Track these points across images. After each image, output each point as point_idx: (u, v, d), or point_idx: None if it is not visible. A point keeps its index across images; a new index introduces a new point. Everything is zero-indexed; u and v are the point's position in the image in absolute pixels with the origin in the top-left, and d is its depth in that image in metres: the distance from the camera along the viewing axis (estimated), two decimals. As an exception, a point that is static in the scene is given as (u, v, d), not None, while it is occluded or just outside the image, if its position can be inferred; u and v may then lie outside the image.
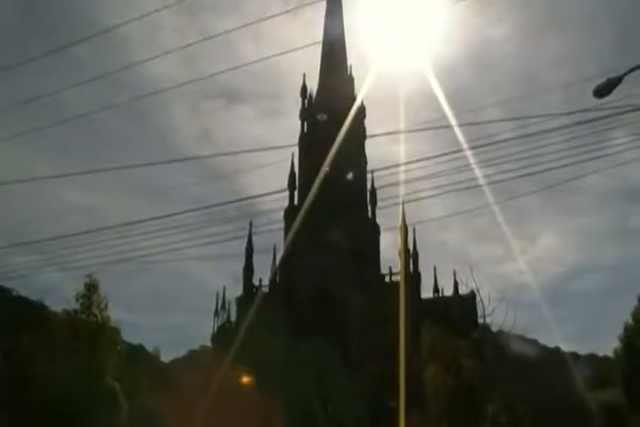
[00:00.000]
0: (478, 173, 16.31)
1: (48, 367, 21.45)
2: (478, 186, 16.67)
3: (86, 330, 20.69)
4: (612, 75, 11.09)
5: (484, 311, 22.11)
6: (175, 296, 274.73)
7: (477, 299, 32.51)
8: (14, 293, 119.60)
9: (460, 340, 20.69)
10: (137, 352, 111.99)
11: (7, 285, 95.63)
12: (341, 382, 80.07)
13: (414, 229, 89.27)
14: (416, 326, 71.81)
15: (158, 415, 72.43)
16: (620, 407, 34.64)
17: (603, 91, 10.94)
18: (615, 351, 32.16)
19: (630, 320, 31.60)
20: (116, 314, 21.89)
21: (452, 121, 18.76)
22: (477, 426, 19.08)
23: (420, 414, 19.81)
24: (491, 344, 22.00)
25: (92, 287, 21.10)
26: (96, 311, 21.02)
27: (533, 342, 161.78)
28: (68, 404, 19.91)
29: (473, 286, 28.44)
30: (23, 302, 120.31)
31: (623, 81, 10.85)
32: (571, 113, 14.81)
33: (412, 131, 21.88)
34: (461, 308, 78.99)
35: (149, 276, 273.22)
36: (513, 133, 15.32)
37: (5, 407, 31.83)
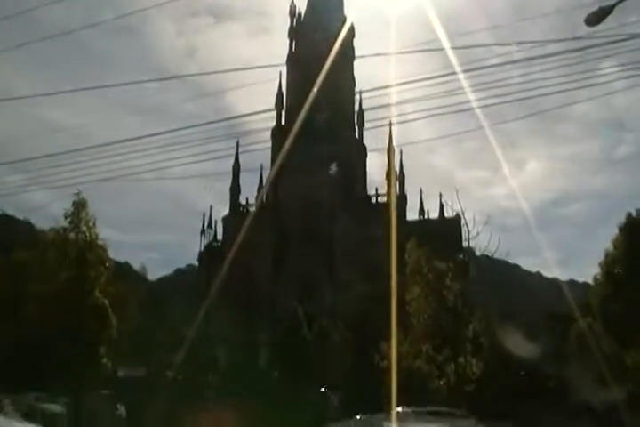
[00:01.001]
0: (469, 96, 16.18)
1: (39, 284, 21.80)
2: (468, 110, 16.57)
3: (75, 247, 20.87)
4: (605, 3, 10.95)
5: (468, 234, 22.35)
6: (162, 216, 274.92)
7: (462, 222, 32.89)
8: (1, 211, 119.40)
9: (445, 262, 21.00)
10: (124, 270, 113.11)
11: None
12: (327, 300, 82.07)
13: (401, 152, 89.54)
14: (401, 248, 73.89)
15: (145, 331, 74.17)
16: (596, 333, 35.60)
17: (594, 19, 10.83)
18: (595, 278, 32.60)
19: (611, 247, 31.83)
20: (103, 233, 22.08)
21: (444, 44, 18.45)
22: (459, 347, 19.65)
23: (403, 335, 20.34)
24: (474, 267, 22.36)
25: (79, 205, 21.16)
26: (84, 229, 21.12)
27: (515, 267, 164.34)
28: (59, 319, 20.33)
29: (458, 208, 28.48)
30: (11, 220, 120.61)
31: (615, 10, 10.73)
32: (562, 40, 14.68)
33: (403, 53, 21.68)
34: (446, 230, 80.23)
35: (136, 195, 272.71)
36: (504, 58, 15.18)
37: (1, 322, 32.55)
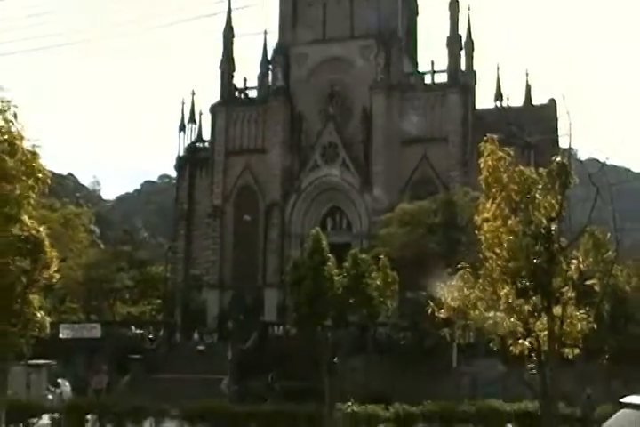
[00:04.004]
0: None
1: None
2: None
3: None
4: None
5: (569, 129, 21.38)
6: (120, 105, 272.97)
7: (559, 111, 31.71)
8: None
9: (534, 167, 20.25)
10: (67, 185, 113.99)
11: None
12: (360, 224, 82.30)
13: (469, 9, 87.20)
14: (469, 148, 72.81)
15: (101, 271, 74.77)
16: None
17: None
18: None
19: None
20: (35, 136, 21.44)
21: None
22: (554, 292, 19.10)
23: (472, 274, 19.79)
24: (576, 175, 21.59)
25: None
26: (1, 124, 20.49)
27: (628, 173, 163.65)
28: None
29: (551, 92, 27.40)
30: None
31: None
32: None
33: None
34: (536, 123, 79.01)
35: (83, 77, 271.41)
36: None
37: None
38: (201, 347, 64.74)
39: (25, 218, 20.22)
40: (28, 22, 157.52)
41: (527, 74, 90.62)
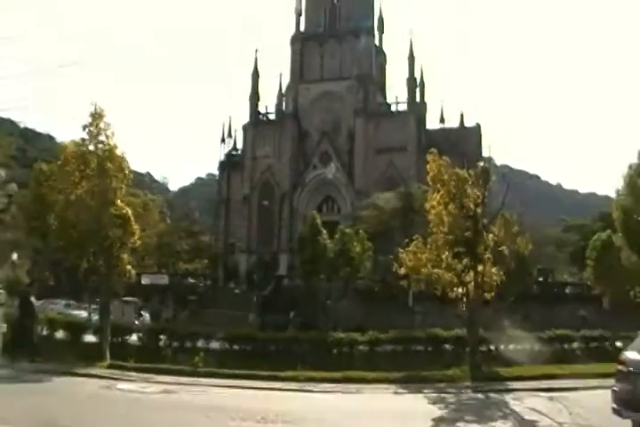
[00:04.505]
0: None
1: (61, 196, 21.80)
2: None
3: (94, 158, 20.69)
4: None
5: (489, 143, 21.79)
6: (183, 126, 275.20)
7: (482, 131, 32.45)
8: (21, 125, 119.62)
9: (465, 170, 20.64)
10: (145, 181, 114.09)
11: (14, 117, 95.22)
12: (347, 208, 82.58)
13: (421, 61, 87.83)
14: (421, 156, 73.12)
15: (168, 240, 75.15)
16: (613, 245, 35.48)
17: None
18: (617, 191, 31.46)
19: (637, 159, 30.54)
20: (124, 145, 21.79)
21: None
22: (478, 255, 19.53)
23: (423, 243, 20.22)
24: (494, 176, 21.98)
25: (97, 115, 20.78)
26: (103, 139, 20.85)
27: (535, 178, 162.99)
28: (84, 227, 20.42)
29: (478, 118, 27.78)
30: (32, 134, 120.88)
31: None
32: None
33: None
34: (466, 139, 79.29)
35: (159, 108, 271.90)
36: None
37: (31, 231, 33.22)
38: (237, 290, 65.18)
39: (118, 202, 20.65)
40: (114, 61, 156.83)
41: (461, 105, 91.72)
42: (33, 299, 19.91)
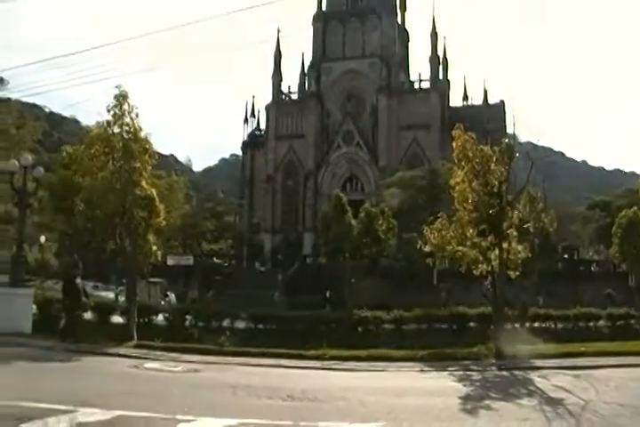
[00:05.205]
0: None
1: (87, 178, 21.91)
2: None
3: (120, 140, 20.75)
4: None
5: (513, 119, 21.53)
6: (205, 107, 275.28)
7: (507, 108, 32.11)
8: (47, 109, 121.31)
9: (489, 146, 20.43)
10: (169, 162, 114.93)
11: (39, 102, 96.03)
12: (371, 186, 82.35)
13: (445, 38, 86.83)
14: (445, 133, 72.57)
15: (192, 215, 75.57)
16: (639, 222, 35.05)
17: None
18: None
19: None
20: (147, 127, 21.76)
21: None
22: (503, 232, 19.36)
23: (447, 221, 20.08)
24: (518, 153, 21.74)
25: (121, 97, 20.80)
26: (127, 121, 20.88)
27: (560, 155, 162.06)
28: (110, 209, 20.54)
29: (503, 95, 27.47)
30: (58, 118, 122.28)
31: None
32: None
33: None
34: (490, 116, 78.60)
35: (179, 88, 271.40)
36: None
37: (58, 214, 33.55)
38: (262, 268, 65.58)
39: (143, 183, 20.72)
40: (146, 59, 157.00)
41: (484, 82, 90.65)
42: (79, 281, 20.07)
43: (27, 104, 64.08)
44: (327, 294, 41.78)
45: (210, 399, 10.97)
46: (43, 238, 49.49)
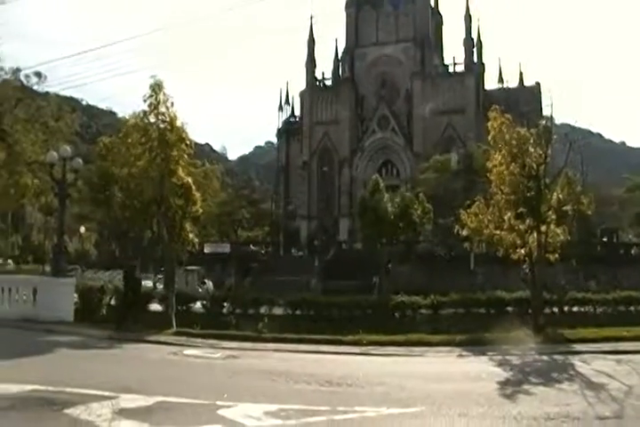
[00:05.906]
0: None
1: (124, 168, 22.13)
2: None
3: (156, 129, 20.88)
4: None
5: (550, 102, 21.19)
6: (239, 94, 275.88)
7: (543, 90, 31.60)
8: (84, 102, 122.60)
9: (525, 128, 20.16)
10: (205, 151, 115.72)
11: (76, 95, 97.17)
12: (406, 171, 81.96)
13: (479, 20, 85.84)
14: (480, 117, 71.82)
15: (229, 203, 75.77)
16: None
17: None
18: None
19: None
20: (182, 117, 21.84)
21: None
22: (541, 215, 19.11)
23: (484, 204, 19.88)
24: (556, 134, 21.41)
25: (156, 87, 20.89)
26: (163, 110, 20.99)
27: (598, 137, 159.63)
28: (147, 198, 20.73)
29: (538, 77, 27.01)
30: (95, 110, 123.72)
31: None
32: None
33: None
34: (527, 98, 77.51)
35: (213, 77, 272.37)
36: None
37: (97, 204, 34.08)
38: (300, 253, 65.74)
39: (179, 172, 20.86)
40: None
41: (520, 64, 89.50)
42: (138, 273, 20.37)
43: (64, 97, 64.83)
44: (375, 280, 41.65)
45: (249, 385, 11.03)
46: (82, 229, 50.21)
